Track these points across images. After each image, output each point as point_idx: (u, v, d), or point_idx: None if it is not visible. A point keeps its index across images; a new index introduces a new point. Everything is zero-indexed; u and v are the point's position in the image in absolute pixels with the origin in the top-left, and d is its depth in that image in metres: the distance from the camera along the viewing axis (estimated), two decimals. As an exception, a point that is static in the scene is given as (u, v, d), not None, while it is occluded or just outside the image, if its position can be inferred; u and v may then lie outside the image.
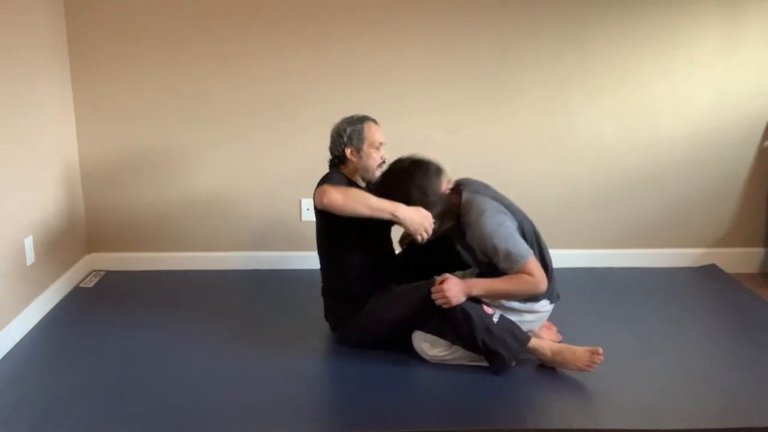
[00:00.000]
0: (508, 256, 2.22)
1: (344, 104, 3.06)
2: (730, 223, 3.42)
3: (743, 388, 2.21)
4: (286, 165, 3.26)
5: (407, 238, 2.65)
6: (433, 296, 2.22)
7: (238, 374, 2.30)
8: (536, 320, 2.44)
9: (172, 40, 3.10)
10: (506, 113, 3.24)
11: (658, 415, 2.04)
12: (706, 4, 3.13)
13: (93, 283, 3.17)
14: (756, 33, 3.17)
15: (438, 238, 2.40)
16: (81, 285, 3.14)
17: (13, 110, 2.56)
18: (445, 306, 2.21)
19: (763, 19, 3.15)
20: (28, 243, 2.68)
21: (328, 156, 2.58)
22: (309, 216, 3.31)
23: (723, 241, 3.44)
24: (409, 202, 2.27)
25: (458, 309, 2.22)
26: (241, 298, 3.01)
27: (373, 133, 2.45)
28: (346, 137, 2.44)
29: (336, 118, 2.54)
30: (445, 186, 2.37)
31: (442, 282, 2.22)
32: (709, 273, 3.34)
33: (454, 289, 2.20)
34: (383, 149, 2.48)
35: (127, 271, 3.31)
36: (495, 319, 2.26)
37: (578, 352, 2.26)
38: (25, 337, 2.59)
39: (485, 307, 2.28)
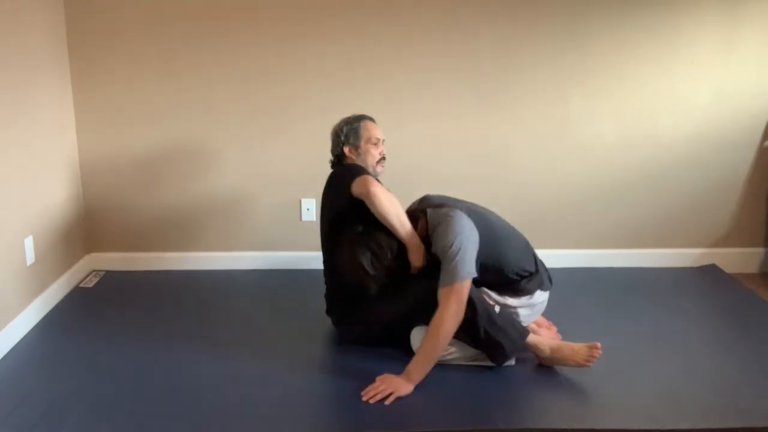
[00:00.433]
0: (455, 268, 2.17)
1: (345, 104, 3.06)
2: (730, 223, 3.42)
3: (743, 388, 2.21)
4: (286, 165, 3.26)
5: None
6: (366, 396, 2.13)
7: (238, 374, 2.30)
8: (532, 314, 2.45)
9: (172, 41, 3.10)
10: (506, 113, 3.24)
11: (658, 415, 2.04)
12: (706, 4, 3.13)
13: (93, 283, 3.17)
14: (756, 33, 3.17)
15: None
16: (81, 285, 3.14)
17: (14, 110, 2.56)
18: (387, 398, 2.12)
19: (763, 19, 3.16)
20: (28, 243, 2.68)
21: (328, 156, 2.59)
22: (309, 216, 3.32)
23: (723, 241, 3.44)
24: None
25: None
26: (242, 298, 3.00)
27: (370, 129, 2.51)
28: (344, 136, 2.51)
29: (336, 118, 2.56)
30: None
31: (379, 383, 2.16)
32: (709, 273, 3.34)
33: (394, 382, 2.15)
34: (382, 146, 2.52)
35: (127, 271, 3.31)
36: (497, 309, 2.28)
37: (576, 347, 2.27)
38: (25, 337, 2.59)
39: (487, 298, 2.28)
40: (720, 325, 2.77)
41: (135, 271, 3.31)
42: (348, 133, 2.50)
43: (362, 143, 2.49)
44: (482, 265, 2.30)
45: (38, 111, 2.79)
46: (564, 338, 2.48)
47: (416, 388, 2.16)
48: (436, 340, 2.17)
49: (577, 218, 3.38)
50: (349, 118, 2.56)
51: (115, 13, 3.06)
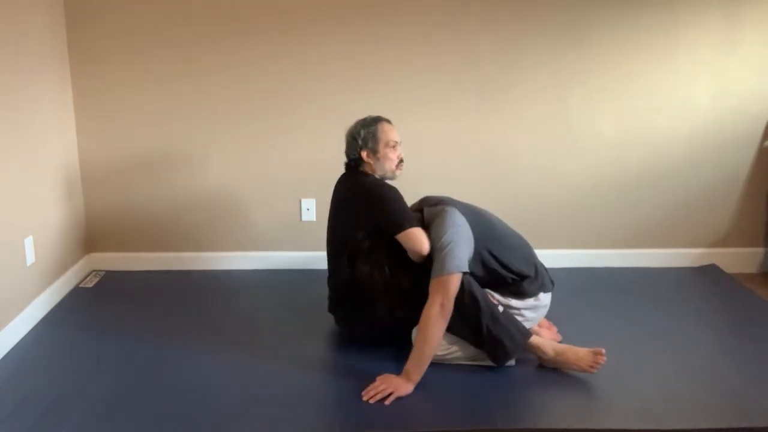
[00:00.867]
0: (443, 259, 2.19)
1: (345, 104, 3.08)
2: (730, 223, 3.42)
3: (743, 388, 2.21)
4: (286, 165, 3.26)
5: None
6: (367, 395, 2.13)
7: (239, 373, 2.30)
8: (536, 316, 2.45)
9: (172, 41, 3.10)
10: (506, 113, 3.24)
11: (658, 415, 2.04)
12: (706, 5, 3.13)
13: (93, 283, 3.17)
14: (756, 33, 3.17)
15: None
16: (81, 285, 3.14)
17: (13, 110, 2.56)
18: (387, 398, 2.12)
19: (763, 19, 3.15)
20: (28, 243, 2.68)
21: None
22: (309, 216, 3.32)
23: (723, 241, 3.44)
24: None
25: (466, 292, 2.21)
26: (242, 298, 3.00)
27: (387, 133, 2.45)
28: (361, 140, 2.43)
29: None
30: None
31: (379, 383, 2.17)
32: (709, 273, 3.34)
33: (394, 382, 2.16)
34: (399, 148, 2.48)
35: (127, 271, 3.31)
36: (500, 309, 2.28)
37: (581, 353, 2.26)
38: (25, 337, 2.59)
39: (491, 297, 2.29)
40: (720, 325, 2.77)
41: (135, 271, 3.31)
42: (366, 137, 2.42)
43: (381, 147, 2.42)
44: (483, 264, 2.31)
45: (38, 112, 2.79)
46: (564, 339, 2.48)
47: (416, 388, 2.16)
48: (426, 334, 2.16)
49: (577, 218, 3.38)
50: (365, 120, 2.48)
51: (115, 15, 3.06)
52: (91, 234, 3.31)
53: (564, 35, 3.15)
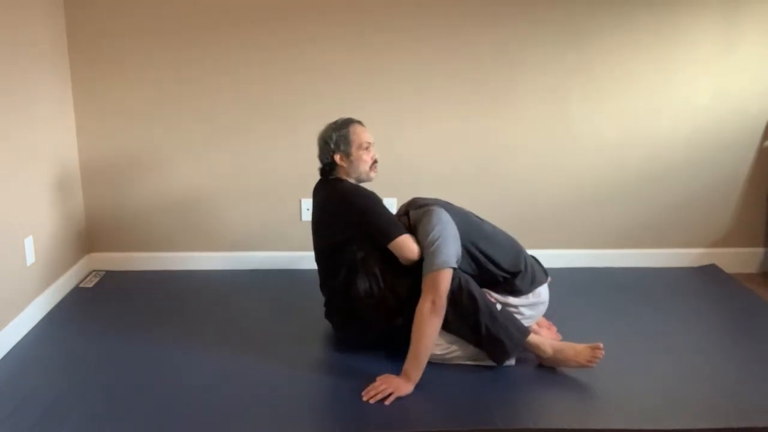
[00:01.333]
0: (431, 256, 2.20)
1: (345, 105, 3.07)
2: (730, 223, 3.42)
3: (743, 388, 2.21)
4: (286, 165, 3.26)
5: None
6: (367, 396, 2.13)
7: (238, 374, 2.30)
8: (536, 313, 2.45)
9: (172, 41, 3.09)
10: (506, 114, 3.24)
11: (658, 415, 2.05)
12: (705, 4, 3.13)
13: (93, 283, 3.17)
14: (756, 33, 3.17)
15: None
16: (81, 285, 3.14)
17: (13, 110, 2.56)
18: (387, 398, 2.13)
19: (763, 19, 3.16)
20: (28, 243, 2.68)
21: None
22: (309, 216, 3.30)
23: (723, 241, 3.44)
24: None
25: (464, 291, 2.22)
26: (242, 298, 3.00)
27: (360, 134, 2.42)
28: (333, 144, 2.41)
29: (336, 117, 2.53)
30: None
31: (379, 383, 2.17)
32: (708, 273, 3.34)
33: (394, 382, 2.16)
34: (373, 149, 2.46)
35: (127, 271, 3.31)
36: (498, 307, 2.28)
37: (579, 348, 2.27)
38: (25, 337, 2.59)
39: (488, 296, 2.29)
40: (720, 325, 2.77)
41: (135, 271, 3.31)
42: (338, 140, 2.40)
43: (354, 150, 2.40)
44: (473, 261, 2.32)
45: (38, 112, 2.79)
46: (564, 339, 2.48)
47: (416, 388, 2.16)
48: (420, 332, 2.16)
49: (577, 218, 3.38)
50: (336, 123, 2.46)
51: (115, 15, 3.06)
52: (91, 234, 3.31)
53: (564, 36, 3.15)
